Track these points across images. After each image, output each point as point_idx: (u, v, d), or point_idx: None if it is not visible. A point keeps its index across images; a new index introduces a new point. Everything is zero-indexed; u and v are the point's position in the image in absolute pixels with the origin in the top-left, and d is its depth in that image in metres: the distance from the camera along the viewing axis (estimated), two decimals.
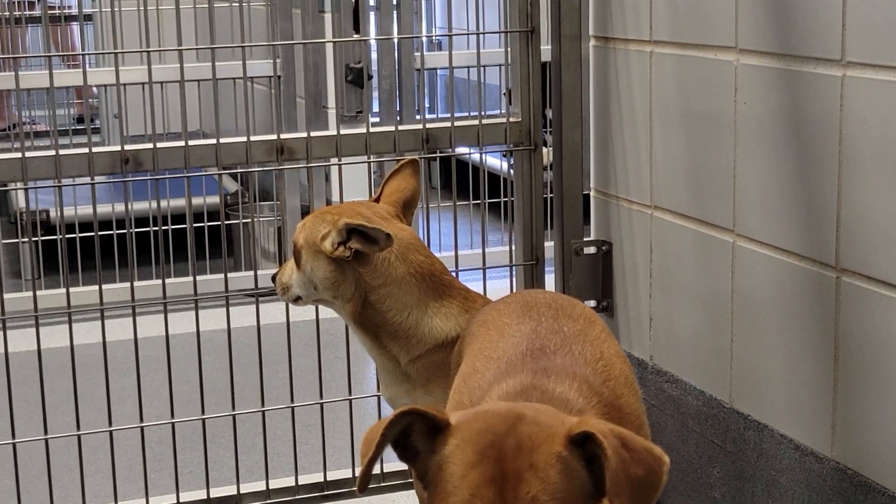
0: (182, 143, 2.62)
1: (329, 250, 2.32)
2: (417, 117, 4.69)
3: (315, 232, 2.35)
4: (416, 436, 1.52)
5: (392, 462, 2.88)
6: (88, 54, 6.17)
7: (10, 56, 5.67)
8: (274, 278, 2.47)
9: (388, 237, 2.26)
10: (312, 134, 2.71)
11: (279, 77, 4.70)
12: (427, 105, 6.68)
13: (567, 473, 1.44)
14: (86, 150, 2.57)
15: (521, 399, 1.71)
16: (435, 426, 1.50)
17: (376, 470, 2.86)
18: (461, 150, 2.95)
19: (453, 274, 2.47)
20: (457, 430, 1.49)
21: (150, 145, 2.60)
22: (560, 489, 1.43)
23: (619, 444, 1.44)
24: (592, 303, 2.85)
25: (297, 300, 2.44)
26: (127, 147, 2.60)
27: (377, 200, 2.46)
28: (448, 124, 2.79)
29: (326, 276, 2.35)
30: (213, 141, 2.65)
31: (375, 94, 4.71)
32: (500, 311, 2.07)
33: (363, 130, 2.75)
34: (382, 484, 2.87)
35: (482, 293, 2.50)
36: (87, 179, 2.64)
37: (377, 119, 4.69)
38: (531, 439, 1.44)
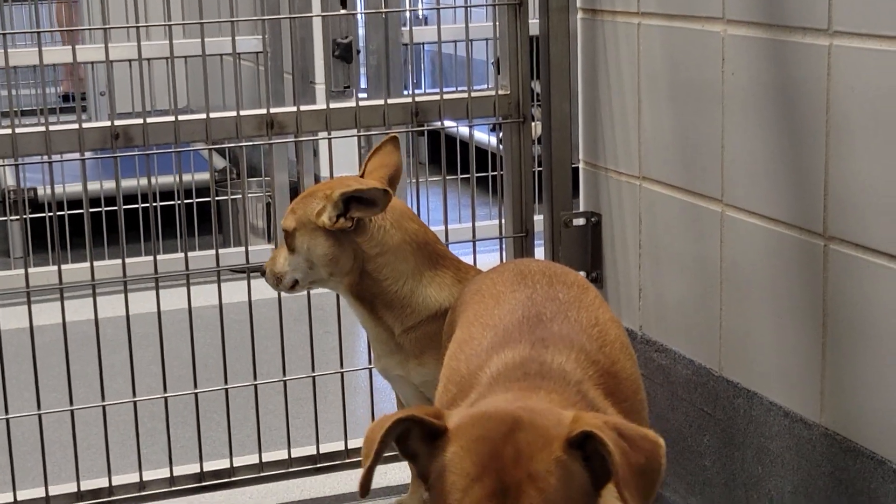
0: (172, 119, 2.62)
1: (329, 224, 2.33)
2: (405, 92, 4.69)
3: (309, 210, 2.36)
4: (413, 440, 1.51)
5: None
6: (78, 30, 6.14)
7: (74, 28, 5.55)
8: (264, 272, 2.46)
9: (386, 192, 2.28)
10: (302, 108, 2.71)
11: (266, 53, 4.69)
12: (413, 80, 6.66)
13: (567, 478, 1.44)
14: (76, 125, 2.57)
15: (520, 370, 1.72)
16: (433, 431, 1.49)
17: None
18: (449, 123, 2.95)
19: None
20: (455, 436, 1.48)
21: (141, 121, 2.60)
22: (561, 496, 1.43)
23: (616, 435, 1.45)
24: (582, 274, 2.86)
25: (293, 286, 2.44)
26: (117, 122, 2.60)
27: (361, 177, 2.47)
28: (437, 98, 2.80)
29: (325, 252, 2.36)
30: (204, 116, 2.65)
31: (362, 69, 4.70)
32: (494, 279, 2.08)
33: (353, 104, 2.75)
34: None
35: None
36: (77, 155, 2.64)
37: (364, 95, 4.68)
38: (529, 446, 1.44)
